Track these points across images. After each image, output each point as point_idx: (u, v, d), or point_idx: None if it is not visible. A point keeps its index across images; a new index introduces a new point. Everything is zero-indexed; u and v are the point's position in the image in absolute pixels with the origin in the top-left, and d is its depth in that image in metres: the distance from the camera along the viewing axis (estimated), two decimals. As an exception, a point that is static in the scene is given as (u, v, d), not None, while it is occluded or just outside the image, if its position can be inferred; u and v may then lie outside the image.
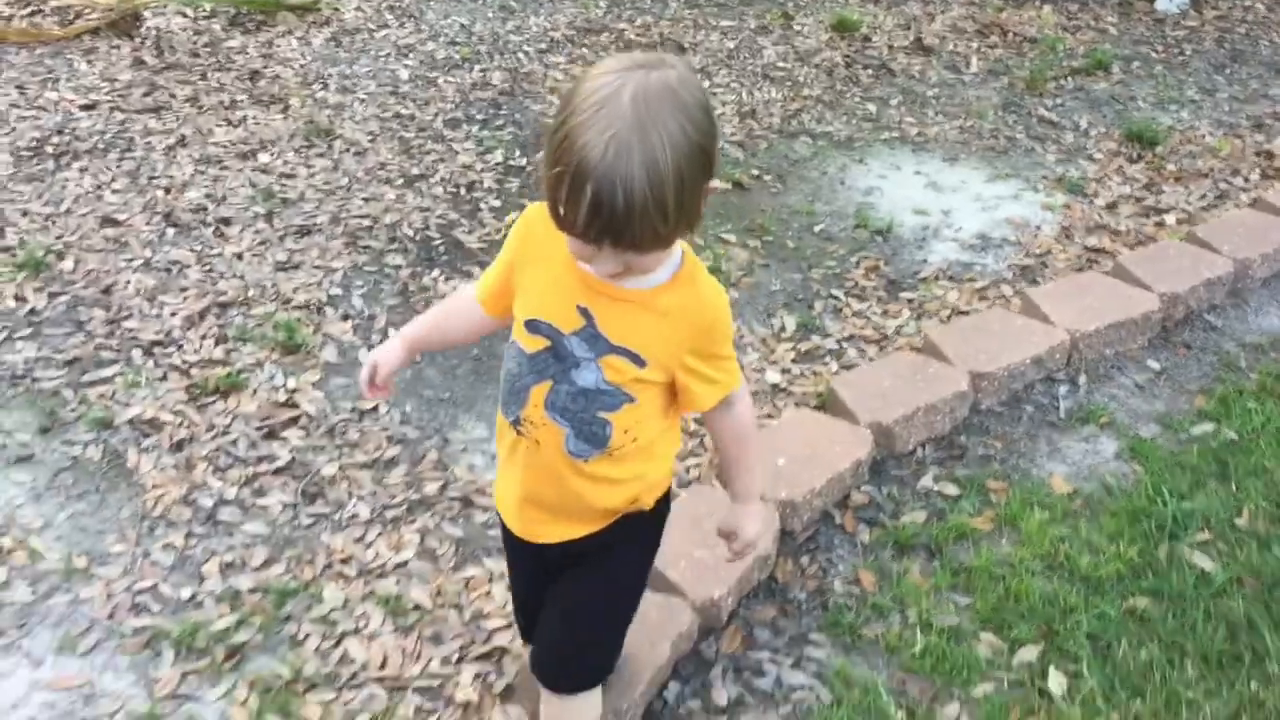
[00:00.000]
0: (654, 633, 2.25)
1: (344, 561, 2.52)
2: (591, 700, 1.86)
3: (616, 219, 1.28)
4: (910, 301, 3.56)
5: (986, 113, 4.86)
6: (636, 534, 1.75)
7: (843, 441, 2.82)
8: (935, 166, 4.42)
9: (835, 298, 3.58)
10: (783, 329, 3.42)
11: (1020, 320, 3.31)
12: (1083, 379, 3.24)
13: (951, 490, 2.83)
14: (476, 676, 2.25)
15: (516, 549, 1.79)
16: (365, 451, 2.83)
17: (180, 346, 3.15)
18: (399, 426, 2.92)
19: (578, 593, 1.75)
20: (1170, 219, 4.05)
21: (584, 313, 1.50)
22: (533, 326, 1.55)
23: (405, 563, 2.52)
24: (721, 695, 2.29)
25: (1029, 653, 2.39)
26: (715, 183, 1.42)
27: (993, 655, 2.38)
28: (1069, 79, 5.18)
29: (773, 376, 3.18)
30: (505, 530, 1.78)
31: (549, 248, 1.50)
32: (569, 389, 1.54)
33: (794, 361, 3.27)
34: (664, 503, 1.77)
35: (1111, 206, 4.15)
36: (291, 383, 3.01)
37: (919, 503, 2.79)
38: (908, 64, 5.33)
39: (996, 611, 2.48)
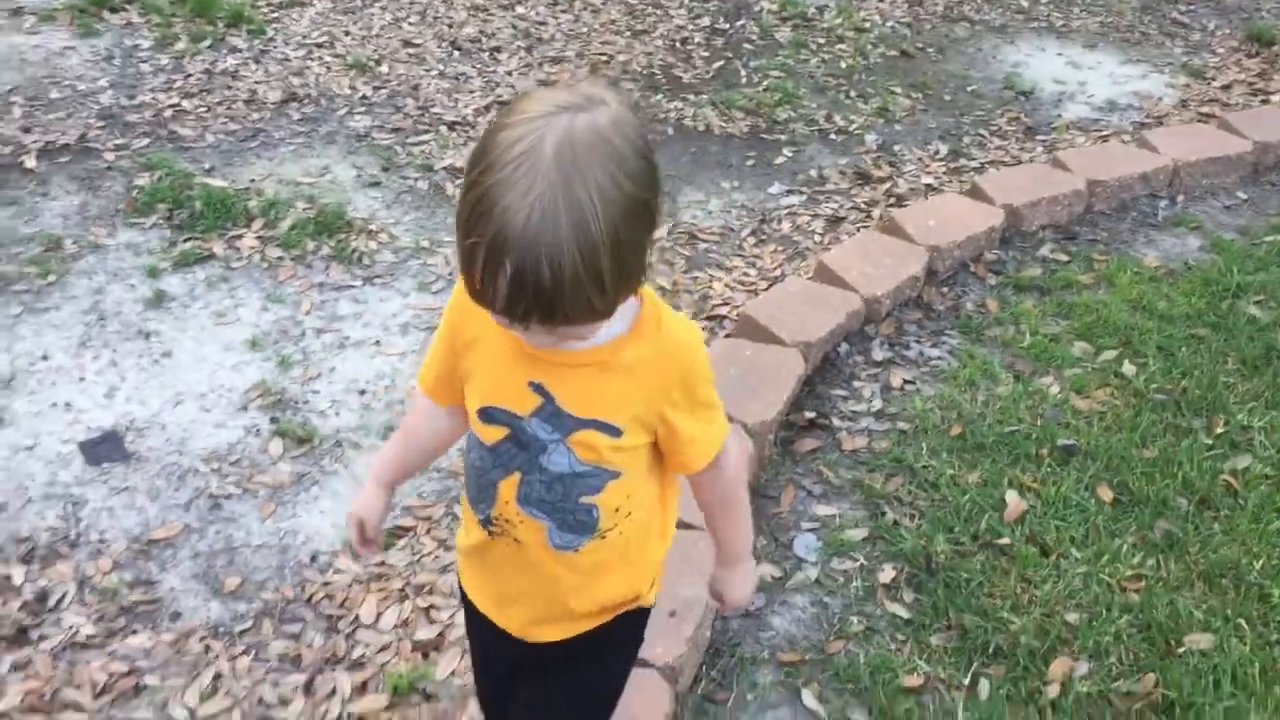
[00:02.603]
0: (833, 300, 3.16)
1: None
2: None
3: (543, 296, 1.07)
4: (1043, 141, 4.37)
5: (1125, 11, 5.59)
6: (629, 636, 1.55)
7: (981, 215, 3.67)
8: (1076, 51, 5.18)
9: (981, 135, 4.41)
10: (936, 152, 4.27)
11: (1135, 150, 4.10)
12: (1180, 198, 4.02)
13: (1063, 257, 3.66)
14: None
15: (487, 640, 1.54)
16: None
17: (474, 127, 4.15)
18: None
19: (556, 700, 1.53)
20: (1276, 99, 4.75)
21: (538, 389, 1.29)
22: (486, 415, 1.34)
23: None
24: (878, 354, 3.19)
25: (1109, 354, 3.22)
26: (660, 233, 1.39)
27: (1081, 354, 3.23)
28: (1206, -7, 5.86)
29: (927, 179, 4.05)
30: (471, 616, 1.57)
31: (479, 323, 1.28)
32: (541, 478, 1.33)
33: (944, 174, 4.12)
34: (646, 613, 1.57)
35: (1226, 88, 4.87)
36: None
37: (1036, 263, 3.63)
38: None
39: (1089, 328, 3.31)
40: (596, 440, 1.30)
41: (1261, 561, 2.49)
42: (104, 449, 2.64)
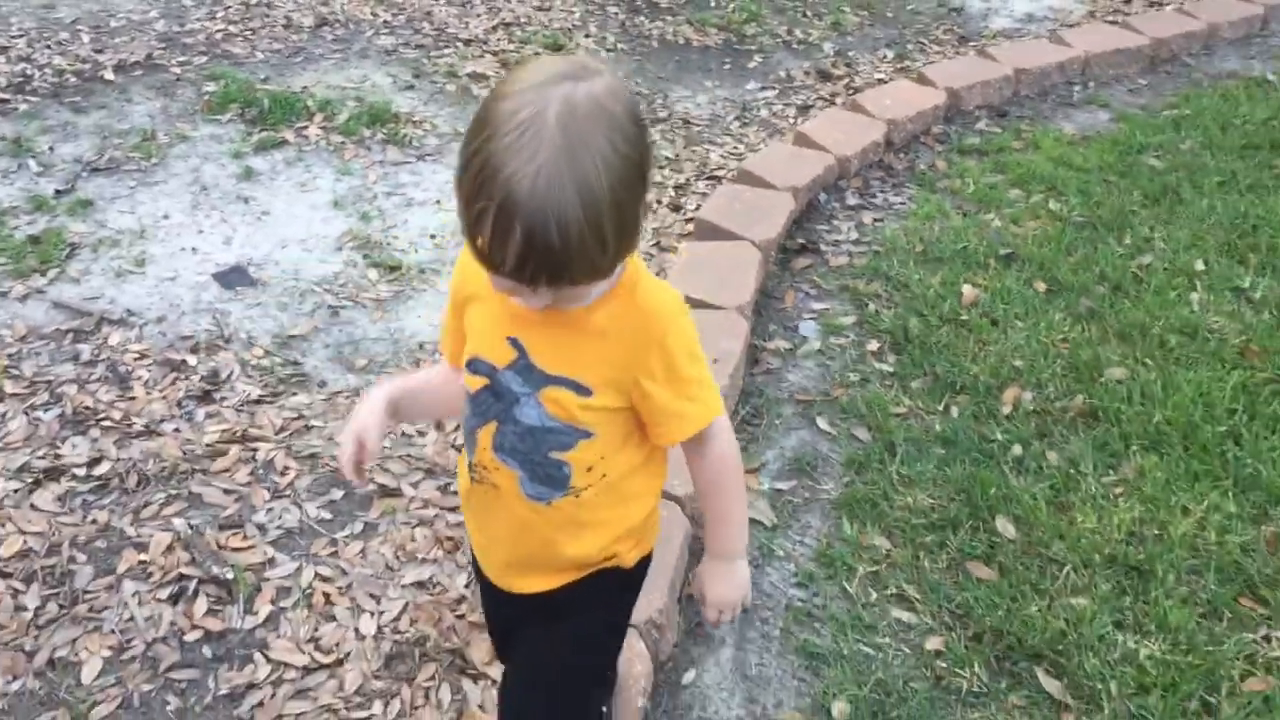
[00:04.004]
0: (812, 159, 3.83)
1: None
2: None
3: (553, 257, 1.13)
4: (975, 46, 5.09)
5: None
6: (609, 598, 1.56)
7: (928, 96, 4.37)
8: (998, -24, 5.92)
9: (922, 43, 5.12)
10: (884, 56, 4.97)
11: (1053, 45, 4.83)
12: (1091, 84, 4.76)
13: (997, 130, 4.38)
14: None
15: (487, 589, 1.63)
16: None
17: (486, 43, 4.77)
18: (640, 80, 4.51)
19: (540, 656, 1.56)
20: (1169, 8, 5.52)
21: (514, 344, 1.35)
22: (472, 365, 1.40)
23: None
24: (851, 201, 3.87)
25: (1039, 196, 3.92)
26: (651, 195, 1.48)
27: (1016, 197, 3.93)
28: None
29: (879, 76, 4.74)
30: (476, 565, 1.63)
31: (478, 282, 1.34)
32: (514, 429, 1.39)
33: (893, 72, 4.82)
34: (645, 562, 1.58)
35: (1127, 0, 5.63)
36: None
37: (975, 135, 4.34)
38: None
39: (1020, 179, 4.02)
40: (565, 397, 1.34)
41: (1161, 321, 3.21)
42: (233, 277, 3.22)
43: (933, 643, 2.28)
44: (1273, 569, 2.45)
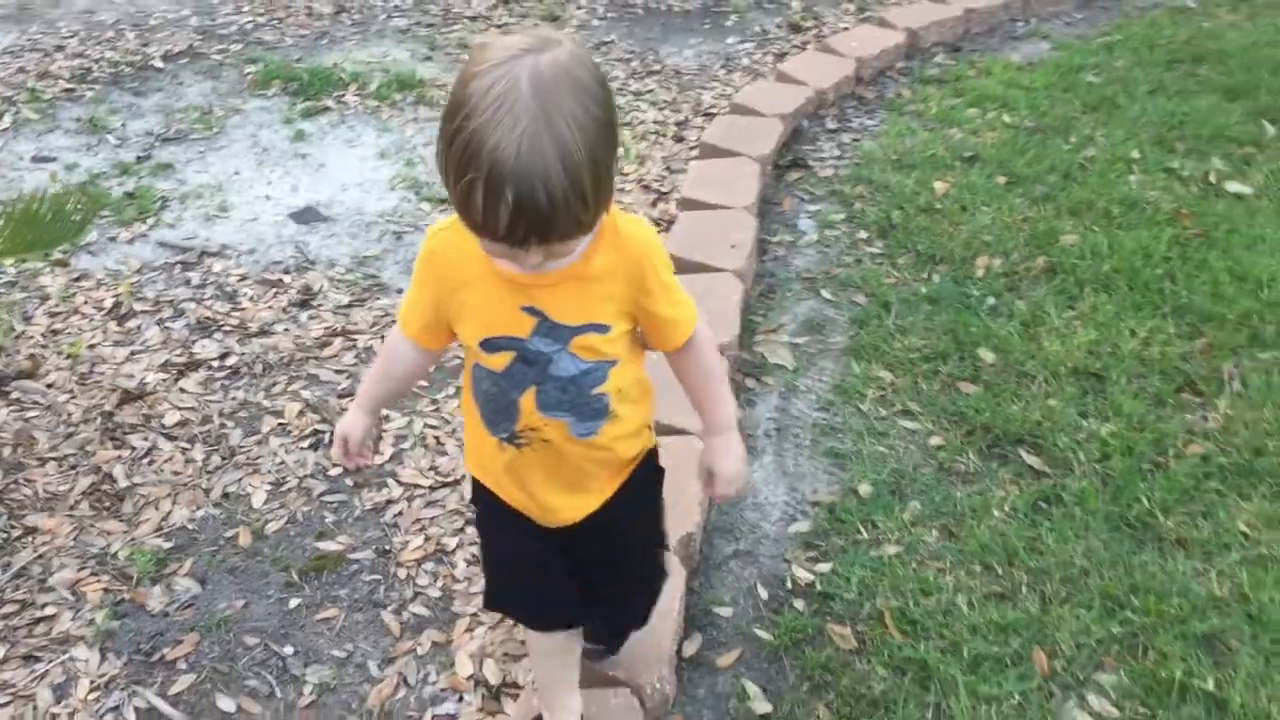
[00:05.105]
0: (793, 91, 4.37)
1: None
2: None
3: (542, 217, 1.22)
4: (927, -5, 5.64)
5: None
6: (653, 469, 1.76)
7: (890, 36, 4.92)
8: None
9: (879, -4, 5.67)
10: (847, 9, 5.51)
11: (994, -12, 5.42)
12: (1033, 20, 5.33)
13: (952, 62, 4.93)
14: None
15: (534, 539, 1.70)
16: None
17: (490, 18, 5.29)
18: None
19: (629, 539, 1.78)
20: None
21: (532, 311, 1.45)
22: (490, 345, 1.49)
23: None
24: (831, 125, 4.40)
25: (993, 113, 4.47)
26: (620, 151, 1.43)
27: (974, 115, 4.47)
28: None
29: (844, 25, 5.28)
30: (505, 533, 1.74)
31: (465, 268, 1.45)
32: (555, 384, 1.50)
33: (856, 23, 5.36)
34: (655, 459, 1.77)
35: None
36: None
37: (934, 67, 4.89)
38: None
39: (976, 100, 4.56)
40: (592, 340, 1.48)
41: (1105, 197, 3.76)
42: (307, 215, 3.72)
43: (934, 440, 2.80)
44: (1207, 370, 2.99)
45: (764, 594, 2.40)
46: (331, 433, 2.73)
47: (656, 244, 1.51)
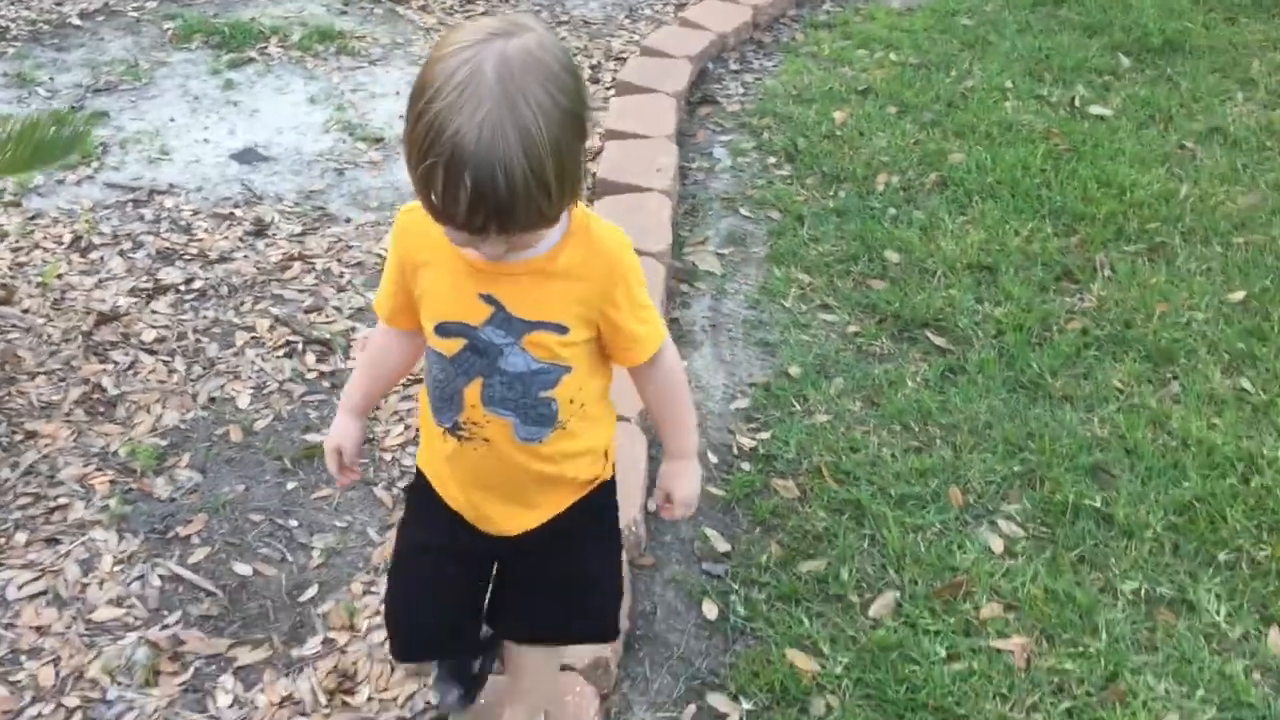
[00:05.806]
0: (698, 35, 4.68)
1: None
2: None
3: (501, 204, 1.19)
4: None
5: None
6: (603, 507, 1.68)
7: (781, -15, 5.28)
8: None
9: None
10: (738, -37, 5.83)
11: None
12: (910, -30, 5.75)
13: (839, 9, 5.31)
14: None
15: (457, 543, 1.63)
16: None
17: (398, -25, 5.46)
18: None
19: (560, 572, 1.66)
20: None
21: (489, 300, 1.41)
22: (443, 330, 1.46)
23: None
24: (734, 66, 4.72)
25: (880, 53, 4.84)
26: (590, 142, 1.33)
27: (862, 55, 4.84)
28: None
29: (737, -23, 5.61)
30: (430, 535, 1.66)
31: (429, 248, 1.42)
32: (501, 380, 1.46)
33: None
34: (611, 484, 1.69)
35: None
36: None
37: (824, 14, 5.25)
38: None
39: (864, 42, 4.93)
40: (547, 339, 1.43)
41: (985, 121, 4.17)
42: (248, 155, 3.89)
43: (852, 328, 3.15)
44: (1081, 261, 3.41)
45: (714, 459, 2.71)
46: (303, 343, 2.97)
47: (631, 257, 1.46)
